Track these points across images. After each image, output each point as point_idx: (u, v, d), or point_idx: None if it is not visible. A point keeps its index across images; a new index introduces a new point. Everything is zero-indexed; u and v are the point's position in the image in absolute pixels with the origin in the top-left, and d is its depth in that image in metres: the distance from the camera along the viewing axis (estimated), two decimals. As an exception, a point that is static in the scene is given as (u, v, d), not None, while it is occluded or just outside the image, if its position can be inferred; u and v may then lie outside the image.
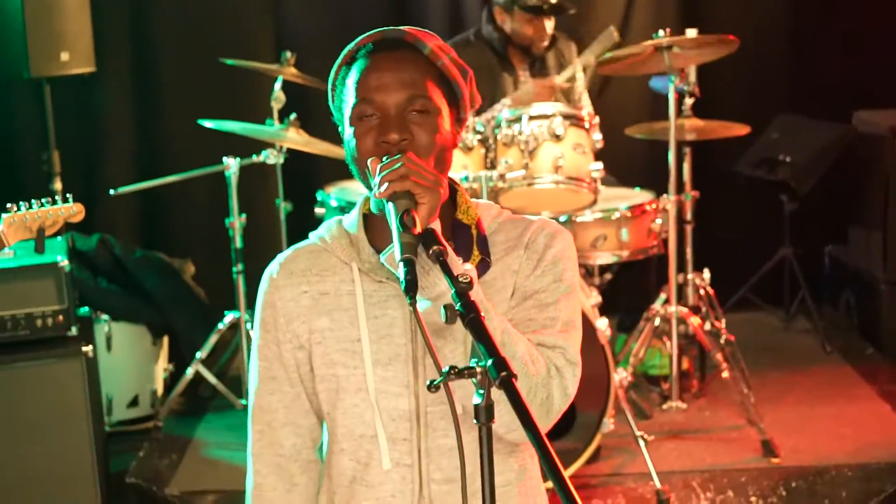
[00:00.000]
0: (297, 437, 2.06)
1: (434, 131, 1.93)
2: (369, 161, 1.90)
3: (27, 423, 3.91)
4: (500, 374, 1.58)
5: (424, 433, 1.98)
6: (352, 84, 1.95)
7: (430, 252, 1.75)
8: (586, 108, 4.82)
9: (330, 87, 2.03)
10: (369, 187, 1.95)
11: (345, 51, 2.00)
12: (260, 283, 2.08)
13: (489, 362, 1.59)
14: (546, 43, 5.09)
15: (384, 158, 1.86)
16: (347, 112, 1.95)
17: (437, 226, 1.83)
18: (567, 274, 2.02)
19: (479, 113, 4.75)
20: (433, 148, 1.92)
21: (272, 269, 2.06)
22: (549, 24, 5.04)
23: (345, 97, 1.97)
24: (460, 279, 1.69)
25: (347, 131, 1.95)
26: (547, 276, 2.00)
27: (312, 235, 2.09)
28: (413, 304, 1.68)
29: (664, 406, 4.84)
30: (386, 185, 1.81)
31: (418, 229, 1.76)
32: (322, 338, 2.01)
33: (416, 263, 1.73)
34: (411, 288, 1.69)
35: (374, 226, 2.02)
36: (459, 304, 1.67)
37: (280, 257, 2.07)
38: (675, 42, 4.46)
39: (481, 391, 1.64)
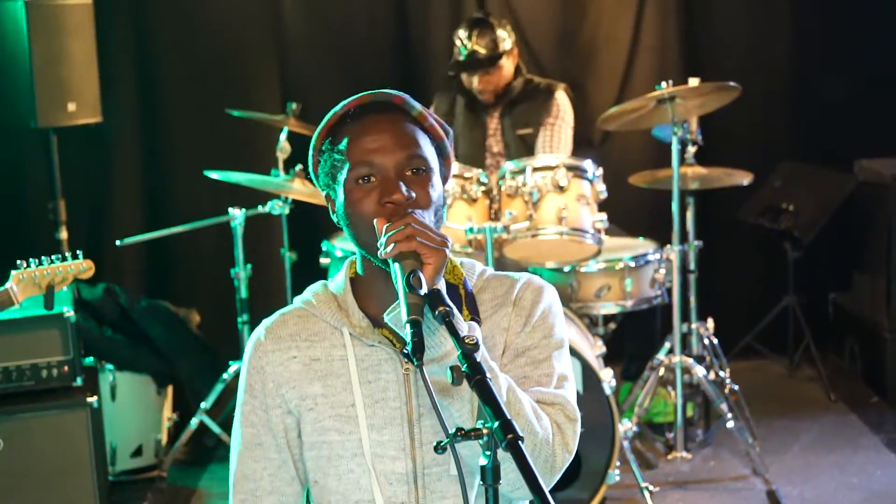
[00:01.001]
0: None
1: (432, 190, 1.95)
2: (375, 221, 1.90)
3: (32, 472, 3.91)
4: (507, 436, 1.58)
5: (423, 495, 1.98)
6: (344, 147, 1.95)
7: (437, 313, 1.75)
8: (563, 152, 4.85)
9: (313, 151, 2.03)
10: (364, 249, 1.97)
11: (328, 116, 2.01)
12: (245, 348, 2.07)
13: (496, 424, 1.60)
14: (490, 97, 5.05)
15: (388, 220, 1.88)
16: (342, 176, 1.95)
17: (442, 286, 1.84)
18: (556, 329, 2.04)
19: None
20: (432, 206, 1.95)
21: (258, 334, 2.05)
22: (485, 78, 4.98)
23: (334, 162, 1.97)
24: (466, 341, 1.70)
25: (342, 196, 1.96)
26: (537, 332, 2.02)
27: (297, 300, 2.08)
28: (420, 365, 1.69)
29: (669, 456, 4.83)
30: (392, 245, 1.82)
31: (424, 290, 1.77)
32: (314, 404, 1.99)
33: (422, 325, 1.74)
34: (418, 349, 1.69)
35: (361, 289, 2.03)
36: (466, 365, 1.68)
37: (266, 322, 2.06)
38: (677, 92, 4.49)
39: (488, 453, 1.65)
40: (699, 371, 4.72)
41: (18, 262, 3.18)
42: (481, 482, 1.66)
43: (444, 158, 2.03)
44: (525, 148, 5.02)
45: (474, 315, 2.00)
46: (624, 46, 6.01)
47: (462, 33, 4.99)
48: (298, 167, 4.72)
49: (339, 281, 2.06)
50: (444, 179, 2.04)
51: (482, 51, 4.93)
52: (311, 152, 2.03)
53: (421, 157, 1.95)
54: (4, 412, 3.91)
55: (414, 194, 1.92)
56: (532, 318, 2.02)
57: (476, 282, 2.06)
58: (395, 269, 1.82)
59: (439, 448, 1.65)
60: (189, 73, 5.87)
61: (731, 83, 4.58)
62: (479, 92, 5.04)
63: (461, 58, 4.98)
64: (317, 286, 2.09)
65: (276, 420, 2.02)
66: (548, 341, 2.02)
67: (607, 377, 4.12)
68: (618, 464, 4.13)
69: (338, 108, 2.00)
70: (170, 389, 5.11)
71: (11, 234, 5.54)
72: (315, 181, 2.05)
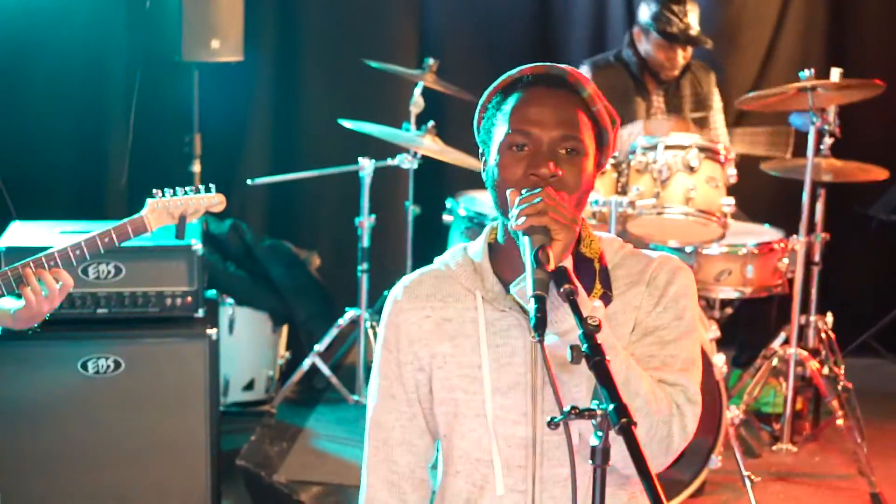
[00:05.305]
0: (412, 456, 2.11)
1: (581, 172, 1.96)
2: (508, 192, 1.93)
3: (149, 396, 4.03)
4: (620, 420, 1.60)
5: (540, 461, 2.01)
6: (507, 112, 1.98)
7: (562, 290, 1.77)
8: (723, 142, 4.79)
9: (480, 108, 2.07)
10: (503, 215, 1.99)
11: (502, 77, 2.04)
12: (384, 303, 2.13)
13: (610, 407, 1.62)
14: (676, 72, 5.01)
15: (523, 191, 1.89)
16: (498, 138, 1.98)
17: (569, 264, 1.86)
18: (688, 312, 2.03)
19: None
20: (578, 188, 1.95)
21: (396, 292, 2.11)
22: (682, 54, 4.95)
23: (495, 123, 2.01)
24: (588, 320, 1.71)
25: (493, 157, 1.99)
26: (668, 312, 2.02)
27: (437, 261, 2.13)
28: (541, 341, 1.71)
29: (774, 447, 4.78)
30: (523, 218, 1.84)
31: (551, 266, 1.79)
32: (443, 362, 2.05)
33: (546, 300, 1.75)
34: (540, 325, 1.71)
35: (498, 255, 2.06)
36: (586, 345, 1.69)
37: (405, 280, 2.12)
38: (819, 84, 4.40)
39: (599, 433, 1.67)
40: (813, 365, 4.65)
41: (154, 190, 3.25)
42: (591, 462, 1.69)
43: (603, 146, 2.03)
44: (700, 129, 5.00)
45: (607, 290, 2.01)
46: (768, 29, 5.90)
47: (676, 6, 4.86)
48: (430, 123, 4.75)
49: (477, 245, 2.10)
50: (599, 167, 2.04)
51: (695, 26, 4.88)
52: (478, 107, 2.07)
53: (577, 138, 1.96)
54: (128, 336, 4.04)
55: (561, 172, 1.93)
56: (664, 299, 2.02)
57: (612, 257, 2.07)
58: (525, 242, 1.84)
59: (552, 424, 1.68)
60: (330, 22, 5.92)
61: (876, 81, 4.47)
62: (670, 67, 4.98)
63: (674, 30, 4.86)
64: (457, 249, 2.13)
65: (408, 375, 2.09)
66: (678, 323, 2.02)
67: (719, 362, 4.10)
68: (721, 450, 4.11)
69: (513, 71, 2.03)
70: (285, 328, 5.22)
71: (148, 164, 5.69)
72: (476, 135, 2.09)
